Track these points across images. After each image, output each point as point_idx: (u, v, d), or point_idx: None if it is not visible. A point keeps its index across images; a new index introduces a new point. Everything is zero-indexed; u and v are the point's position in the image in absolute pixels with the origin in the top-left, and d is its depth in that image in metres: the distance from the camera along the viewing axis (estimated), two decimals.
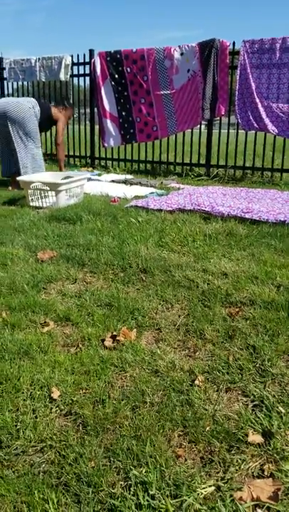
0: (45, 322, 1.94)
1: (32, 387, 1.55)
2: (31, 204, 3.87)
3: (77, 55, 7.00)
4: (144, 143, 6.61)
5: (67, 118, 5.64)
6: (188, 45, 5.73)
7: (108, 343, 1.78)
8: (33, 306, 2.06)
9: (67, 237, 2.98)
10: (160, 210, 3.57)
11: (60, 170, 5.68)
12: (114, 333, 1.82)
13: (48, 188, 3.76)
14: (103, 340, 1.80)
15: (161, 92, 6.04)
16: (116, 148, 6.96)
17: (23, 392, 1.52)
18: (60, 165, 5.75)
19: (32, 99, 5.18)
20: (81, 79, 7.16)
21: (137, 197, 4.40)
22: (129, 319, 1.95)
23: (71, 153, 7.50)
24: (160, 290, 2.18)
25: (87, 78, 6.96)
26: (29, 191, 3.81)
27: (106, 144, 6.73)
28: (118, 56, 6.29)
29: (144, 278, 2.35)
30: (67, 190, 3.82)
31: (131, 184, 5.24)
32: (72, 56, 7.03)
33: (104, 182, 5.40)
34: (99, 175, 6.27)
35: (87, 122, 7.40)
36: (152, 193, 4.61)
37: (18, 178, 3.92)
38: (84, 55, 6.89)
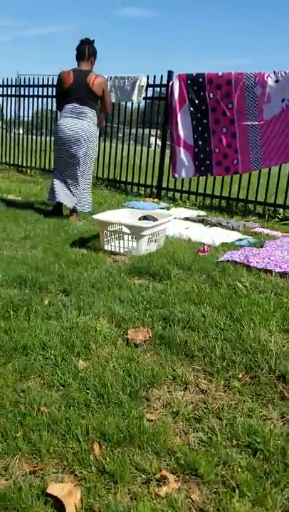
0: (161, 476, 1.26)
1: None
2: (106, 248, 3.24)
3: (154, 76, 6.47)
4: (220, 176, 5.96)
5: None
6: (285, 72, 5.07)
7: None
8: (138, 436, 1.38)
9: (159, 304, 2.32)
10: (268, 271, 2.87)
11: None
12: None
13: (130, 232, 3.12)
14: None
15: (248, 123, 5.38)
16: (187, 179, 6.33)
17: None
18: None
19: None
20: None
21: (225, 244, 3.71)
22: None
23: (135, 180, 6.90)
24: None
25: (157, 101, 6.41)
26: (105, 232, 3.18)
27: (177, 175, 6.12)
28: (200, 80, 5.70)
29: (286, 393, 1.63)
30: (151, 235, 3.17)
31: (210, 225, 4.56)
32: (148, 77, 6.50)
33: (179, 220, 4.73)
34: (167, 208, 5.64)
35: (145, 146, 6.82)
36: (241, 239, 3.91)
37: (94, 217, 3.29)
38: (161, 76, 6.35)
